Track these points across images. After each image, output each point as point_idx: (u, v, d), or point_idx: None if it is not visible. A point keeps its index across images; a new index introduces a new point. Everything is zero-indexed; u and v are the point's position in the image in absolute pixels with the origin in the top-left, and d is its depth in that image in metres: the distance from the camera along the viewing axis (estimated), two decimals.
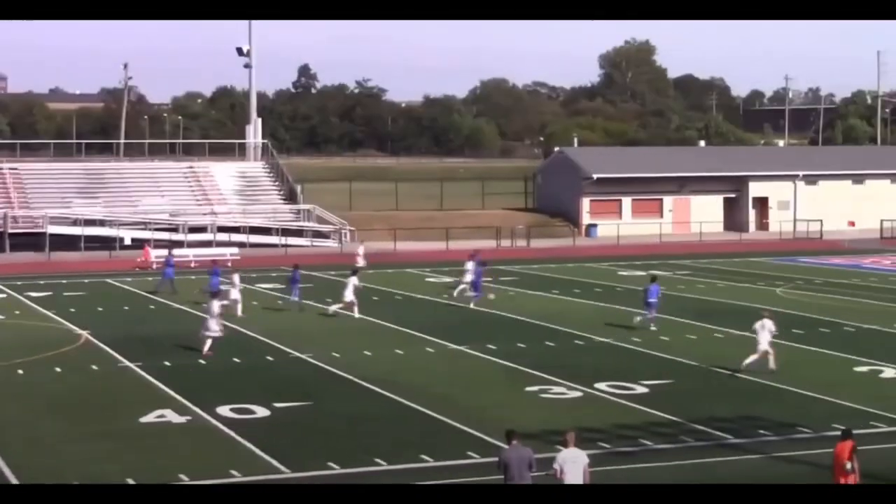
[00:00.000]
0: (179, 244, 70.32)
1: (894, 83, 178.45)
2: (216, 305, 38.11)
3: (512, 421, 27.32)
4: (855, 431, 26.96)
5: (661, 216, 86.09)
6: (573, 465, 19.88)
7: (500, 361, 36.32)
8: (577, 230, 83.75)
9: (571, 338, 40.60)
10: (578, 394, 31.58)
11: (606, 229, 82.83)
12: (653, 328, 41.58)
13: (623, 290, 53.97)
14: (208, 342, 37.30)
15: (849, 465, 20.75)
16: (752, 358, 34.29)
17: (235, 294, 46.05)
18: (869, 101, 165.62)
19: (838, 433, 27.01)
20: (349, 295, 45.09)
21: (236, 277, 47.01)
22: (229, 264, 59.33)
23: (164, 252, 60.31)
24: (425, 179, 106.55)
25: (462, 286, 49.64)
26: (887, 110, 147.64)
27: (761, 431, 27.33)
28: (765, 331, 34.62)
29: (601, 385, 32.33)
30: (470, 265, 49.65)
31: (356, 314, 44.86)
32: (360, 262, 57.53)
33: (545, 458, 21.21)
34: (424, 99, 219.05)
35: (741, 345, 39.22)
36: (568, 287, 54.73)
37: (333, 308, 45.52)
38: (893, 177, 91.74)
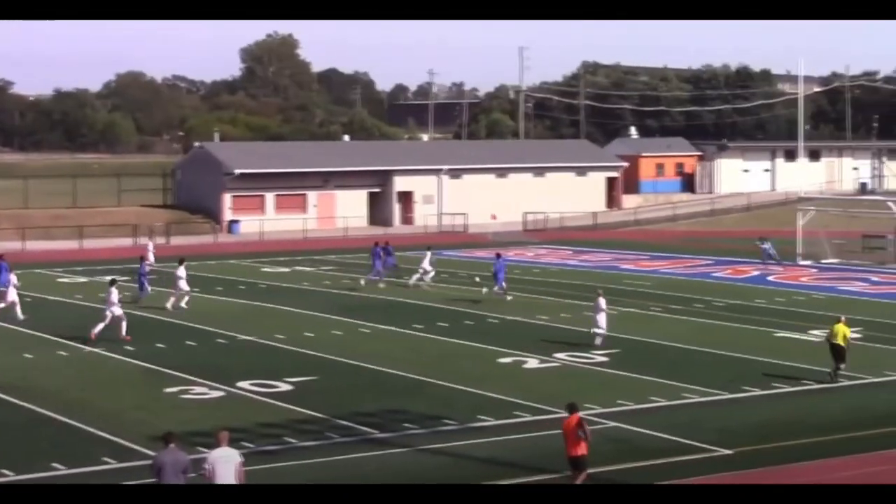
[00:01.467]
0: None
1: (536, 78, 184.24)
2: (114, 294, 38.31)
3: (151, 423, 26.36)
4: (499, 422, 27.29)
5: (306, 211, 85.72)
6: (225, 464, 19.26)
7: (139, 363, 34.90)
8: (218, 227, 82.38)
9: (213, 336, 39.47)
10: (220, 393, 30.63)
11: (249, 225, 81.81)
12: (509, 298, 47.14)
13: (266, 286, 53.13)
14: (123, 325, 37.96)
15: (580, 433, 21.31)
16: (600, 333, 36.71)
17: (13, 296, 43.09)
18: (512, 95, 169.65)
19: (479, 421, 27.26)
20: (184, 285, 45.61)
21: (13, 277, 44.18)
22: None
23: None
24: (57, 176, 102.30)
25: (417, 275, 52.18)
26: (529, 105, 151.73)
27: (407, 425, 27.10)
28: (600, 310, 36.66)
29: (244, 384, 31.45)
30: (429, 256, 52.62)
31: (182, 304, 45.35)
32: (151, 258, 57.50)
33: (192, 460, 20.15)
34: (55, 92, 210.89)
35: (387, 339, 39.15)
36: (209, 285, 53.33)
37: (170, 303, 45.34)
38: (535, 170, 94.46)
